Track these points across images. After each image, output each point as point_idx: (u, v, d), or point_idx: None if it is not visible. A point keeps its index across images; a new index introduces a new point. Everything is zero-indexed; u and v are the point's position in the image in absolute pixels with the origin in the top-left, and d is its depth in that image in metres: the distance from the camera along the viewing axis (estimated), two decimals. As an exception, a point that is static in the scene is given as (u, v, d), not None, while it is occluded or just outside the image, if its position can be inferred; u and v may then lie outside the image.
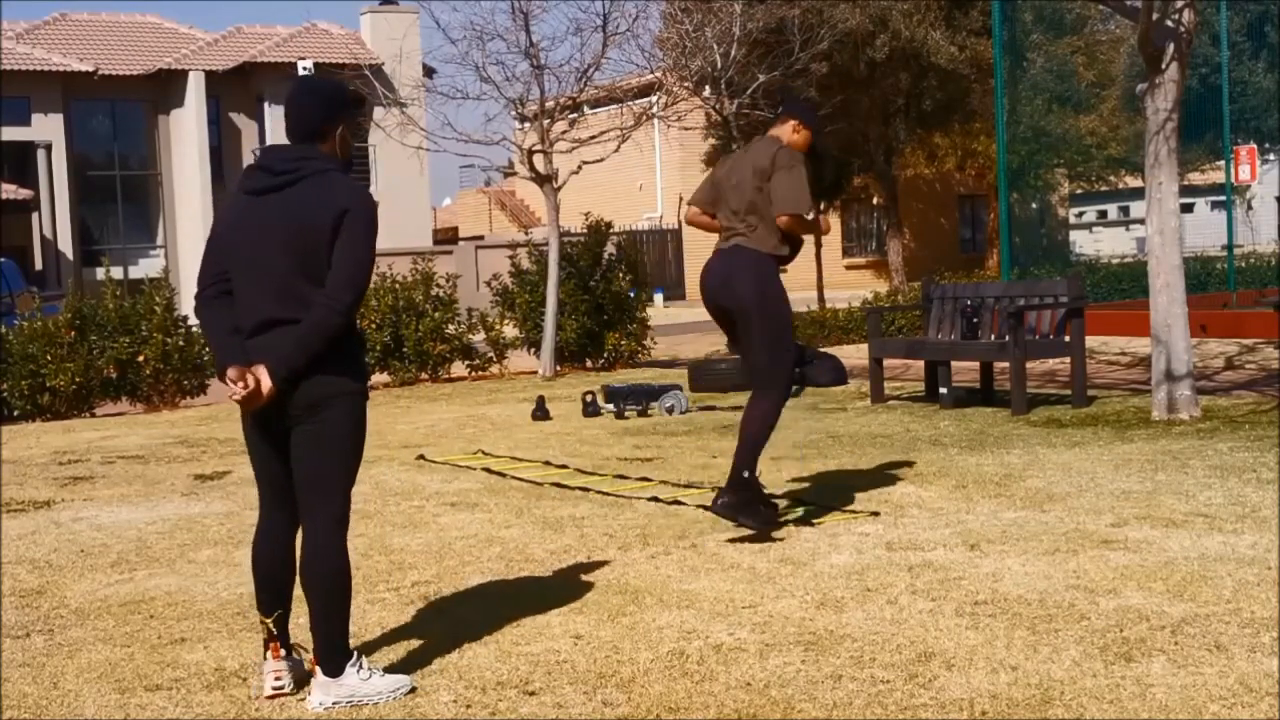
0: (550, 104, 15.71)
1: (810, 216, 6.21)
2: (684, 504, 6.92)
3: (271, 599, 4.17)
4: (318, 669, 4.03)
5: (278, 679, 4.13)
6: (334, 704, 4.00)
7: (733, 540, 6.02)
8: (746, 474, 6.04)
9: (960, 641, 4.35)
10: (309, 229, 3.93)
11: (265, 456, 4.13)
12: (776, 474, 7.56)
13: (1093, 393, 10.51)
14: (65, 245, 35.54)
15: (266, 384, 3.92)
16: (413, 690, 4.11)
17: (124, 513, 7.49)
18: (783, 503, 6.69)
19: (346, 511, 4.11)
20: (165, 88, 37.15)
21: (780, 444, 8.98)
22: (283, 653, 4.17)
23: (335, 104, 4.11)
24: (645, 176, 38.25)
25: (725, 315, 6.35)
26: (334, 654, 4.03)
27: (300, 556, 4.09)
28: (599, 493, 7.44)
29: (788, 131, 6.37)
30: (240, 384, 3.90)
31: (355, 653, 4.11)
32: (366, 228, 3.96)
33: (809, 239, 7.71)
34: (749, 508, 6.03)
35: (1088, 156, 28.32)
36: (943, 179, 38.77)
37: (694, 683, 4.09)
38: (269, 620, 4.15)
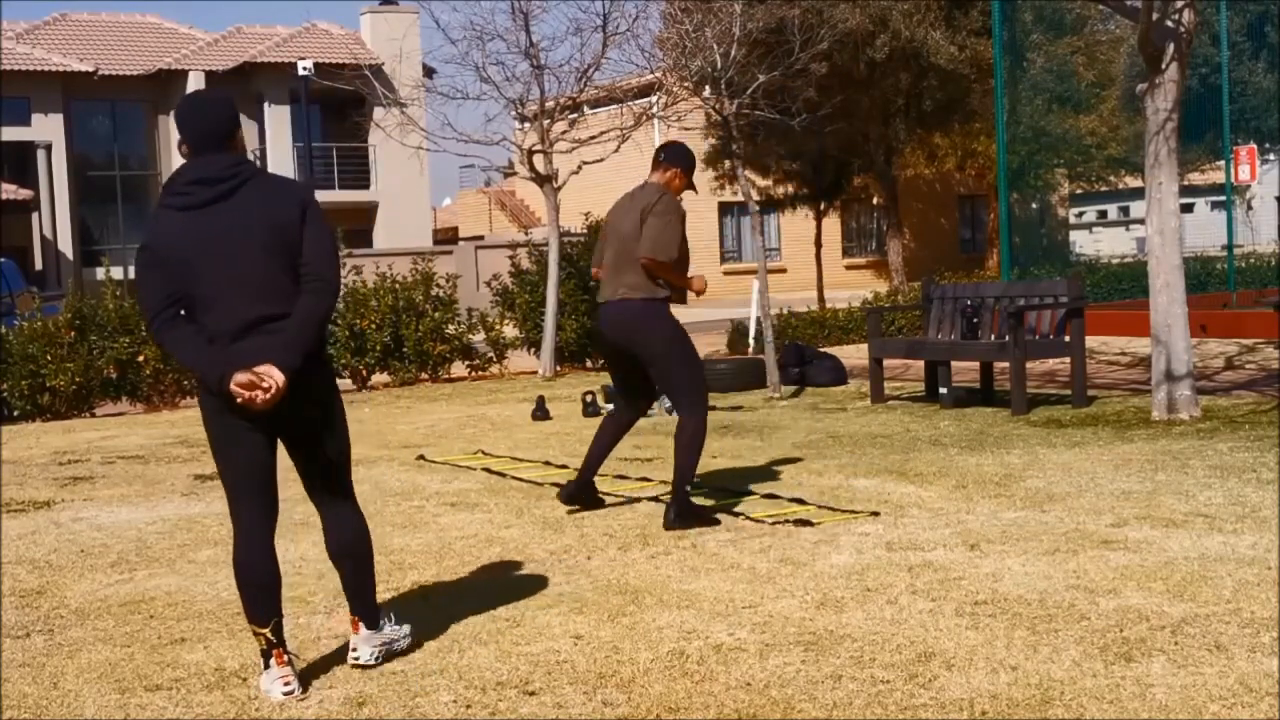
0: (550, 104, 15.71)
1: (670, 261, 6.59)
2: (684, 504, 6.91)
3: (266, 608, 4.18)
4: (360, 626, 4.39)
5: (287, 684, 4.14)
6: (381, 653, 4.40)
7: (733, 540, 6.02)
8: (687, 488, 6.58)
9: (960, 641, 4.35)
10: (281, 226, 4.07)
11: (256, 459, 4.17)
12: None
13: (1093, 393, 10.51)
14: (65, 245, 35.55)
15: (280, 379, 4.00)
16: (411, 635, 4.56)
17: (124, 513, 7.49)
18: (710, 502, 6.99)
19: (353, 484, 4.47)
20: (165, 88, 37.17)
21: (781, 444, 8.98)
22: (286, 658, 4.19)
23: (233, 114, 4.23)
24: (645, 176, 38.21)
25: (622, 357, 6.77)
26: (374, 610, 4.44)
27: (335, 536, 4.39)
28: (598, 492, 7.43)
29: (669, 179, 6.82)
30: (261, 386, 3.98)
31: (382, 607, 4.52)
32: (321, 213, 4.20)
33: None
34: (696, 517, 6.49)
35: (1088, 156, 28.31)
36: (943, 179, 38.78)
37: (694, 683, 4.09)
38: (266, 630, 4.16)
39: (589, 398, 11.35)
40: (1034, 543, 5.66)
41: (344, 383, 15.15)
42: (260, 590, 4.19)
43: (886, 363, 11.88)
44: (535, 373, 15.41)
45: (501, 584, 5.45)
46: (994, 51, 18.01)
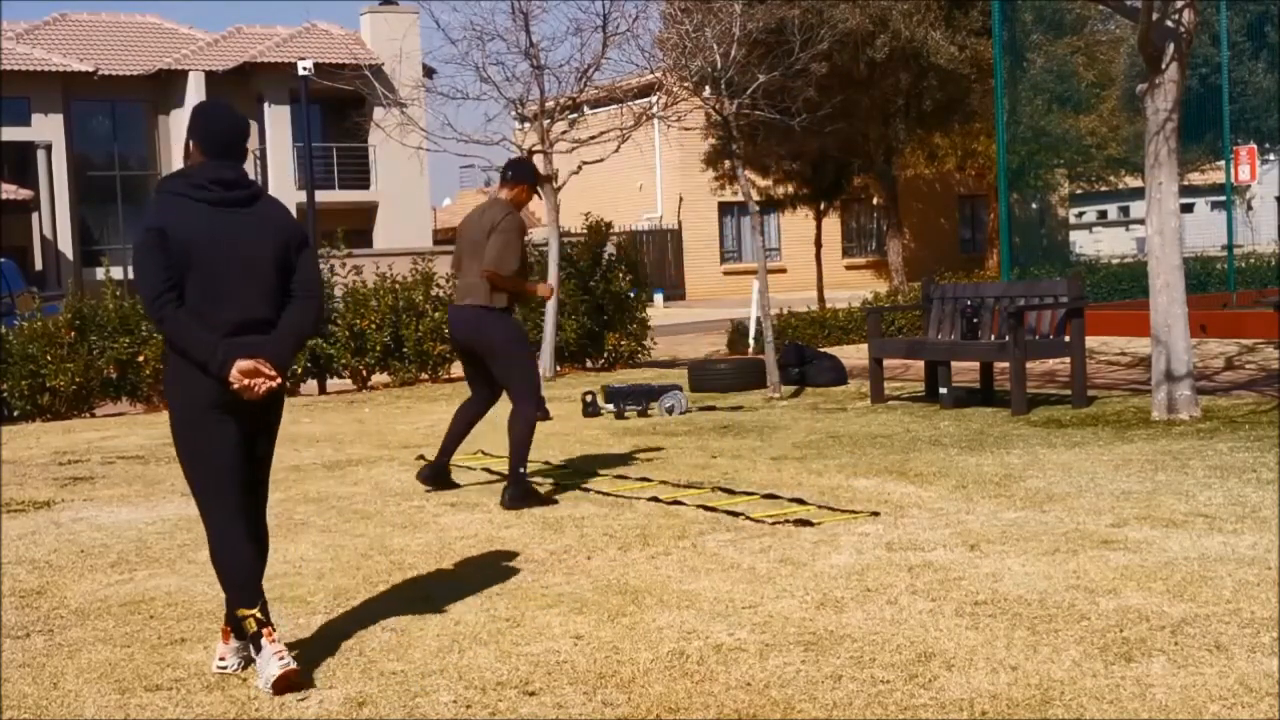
0: (550, 104, 15.71)
1: (509, 274, 7.40)
2: (684, 504, 6.92)
3: (253, 592, 4.31)
4: (231, 637, 4.40)
5: (282, 657, 4.19)
6: (242, 661, 4.41)
7: (733, 540, 6.02)
8: (521, 470, 7.30)
9: (960, 641, 4.35)
10: (285, 241, 4.36)
11: (233, 451, 4.30)
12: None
13: (1093, 393, 10.51)
14: (65, 245, 35.54)
15: (277, 373, 4.26)
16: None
17: (124, 513, 7.49)
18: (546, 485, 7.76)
19: None
20: (165, 88, 37.16)
21: (781, 444, 8.99)
22: (275, 635, 4.29)
23: (248, 130, 4.48)
24: (645, 177, 38.24)
25: (468, 354, 7.64)
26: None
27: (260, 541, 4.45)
28: (599, 493, 7.44)
29: (515, 194, 7.62)
30: (265, 375, 4.21)
31: None
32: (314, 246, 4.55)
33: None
34: (531, 497, 7.22)
35: (1088, 156, 28.30)
36: (943, 179, 38.79)
37: (694, 683, 4.09)
38: (255, 611, 4.26)
39: (589, 398, 11.35)
40: (1034, 543, 5.66)
41: (344, 383, 15.16)
42: (248, 579, 4.31)
43: (886, 363, 11.89)
44: (535, 373, 15.41)
45: (501, 584, 5.45)
46: (994, 51, 18.02)
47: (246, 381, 4.18)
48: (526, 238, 7.72)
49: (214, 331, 4.20)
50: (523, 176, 7.68)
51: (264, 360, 4.22)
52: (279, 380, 4.26)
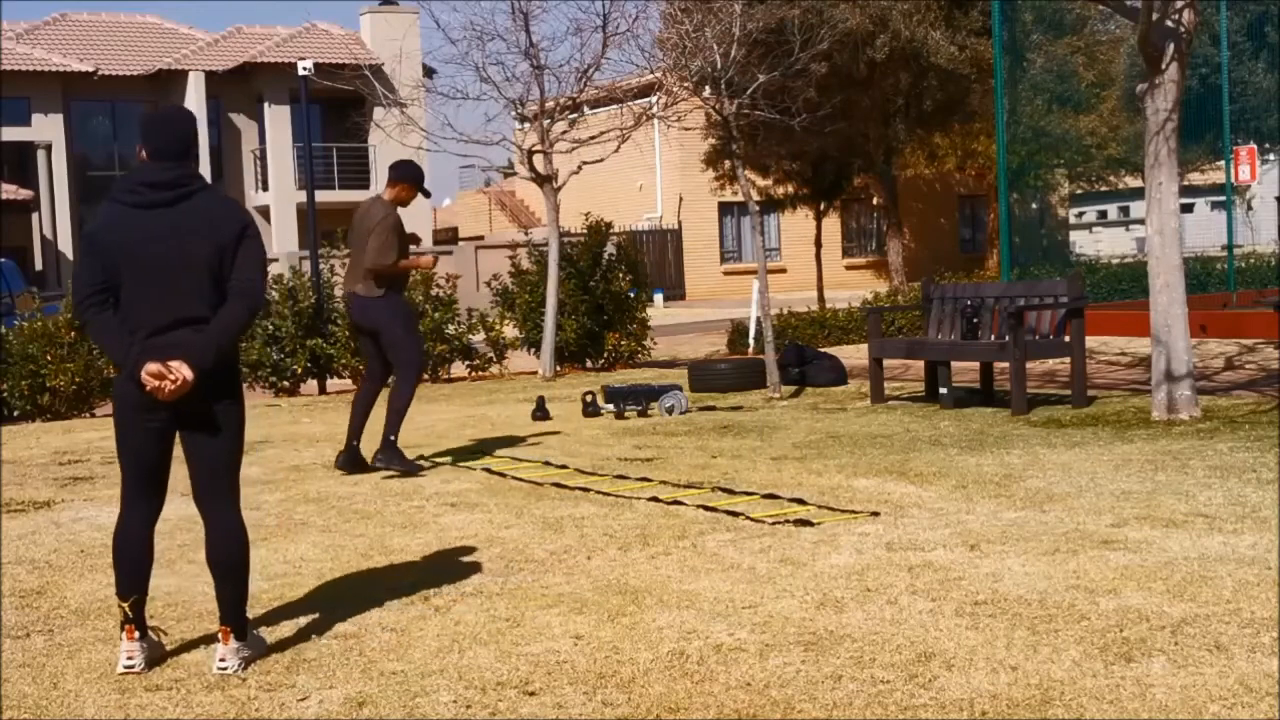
0: (550, 104, 15.70)
1: (387, 267, 8.35)
2: (684, 504, 6.92)
3: (132, 584, 4.49)
4: (230, 636, 4.47)
5: (130, 658, 4.44)
6: (242, 663, 4.46)
7: (733, 540, 6.02)
8: (392, 438, 8.30)
9: (960, 642, 4.35)
10: (218, 238, 4.39)
11: (149, 447, 4.45)
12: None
13: (1093, 393, 10.51)
14: (65, 245, 35.54)
15: (189, 374, 4.30)
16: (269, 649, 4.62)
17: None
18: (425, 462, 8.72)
19: (239, 497, 4.62)
20: (165, 88, 37.15)
21: (781, 444, 8.98)
22: (137, 635, 4.47)
23: (194, 130, 4.57)
24: (645, 177, 38.25)
25: (363, 334, 8.66)
26: (243, 620, 4.53)
27: (214, 542, 4.54)
28: (599, 493, 7.44)
29: (396, 193, 8.53)
30: (169, 378, 4.28)
31: (248, 618, 4.62)
32: (260, 236, 4.53)
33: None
34: (398, 460, 8.29)
35: (1088, 156, 28.32)
36: (943, 179, 38.80)
37: (694, 683, 4.09)
38: (126, 604, 4.45)
39: (589, 398, 11.35)
40: (1034, 543, 5.66)
41: (344, 383, 15.15)
42: (131, 569, 4.51)
43: (886, 363, 11.88)
44: (535, 373, 15.41)
45: (501, 584, 5.45)
46: (994, 51, 18.01)
47: (155, 383, 4.28)
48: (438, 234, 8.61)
49: (141, 332, 4.34)
50: (403, 177, 8.51)
51: (182, 360, 4.28)
52: (178, 381, 4.26)
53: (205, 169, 36.44)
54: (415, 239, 9.23)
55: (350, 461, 8.54)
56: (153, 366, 4.28)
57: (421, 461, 8.82)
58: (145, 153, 4.47)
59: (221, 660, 4.47)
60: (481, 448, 9.52)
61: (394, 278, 8.47)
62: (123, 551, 4.52)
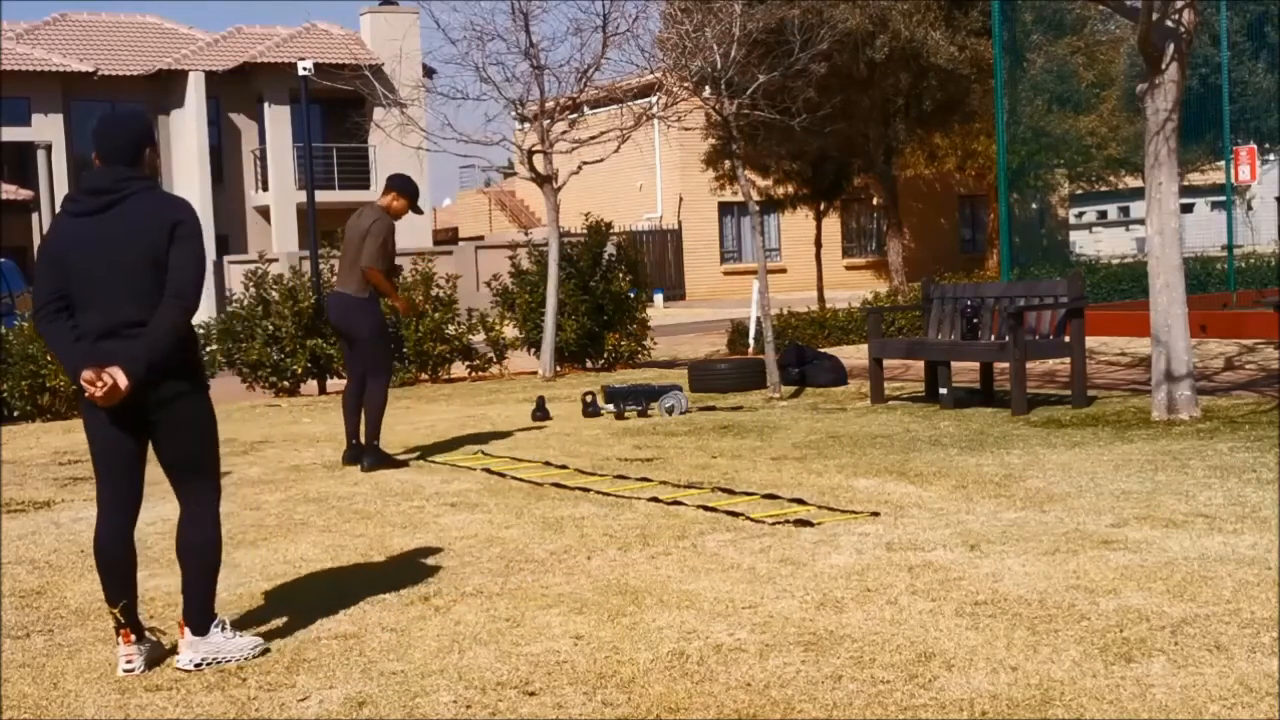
0: (550, 104, 15.70)
1: (380, 271, 8.78)
2: (684, 504, 6.92)
3: (118, 589, 4.51)
4: (186, 630, 4.50)
5: (129, 661, 4.46)
6: (201, 660, 4.46)
7: (733, 540, 6.02)
8: (377, 441, 8.70)
9: (960, 642, 4.35)
10: (148, 240, 4.40)
11: (115, 449, 4.51)
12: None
13: (1093, 393, 10.51)
14: (65, 245, 35.50)
15: (123, 381, 4.33)
16: (266, 651, 4.57)
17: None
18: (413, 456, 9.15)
19: (217, 493, 4.67)
20: (165, 88, 37.15)
21: (781, 444, 8.98)
22: (133, 638, 4.48)
23: (143, 132, 4.59)
24: (645, 177, 38.25)
25: (342, 335, 9.22)
26: (204, 616, 4.52)
27: (179, 531, 4.60)
28: (599, 493, 7.44)
29: (388, 201, 8.96)
30: (99, 384, 4.31)
31: (217, 615, 4.59)
32: (196, 234, 4.47)
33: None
34: (386, 461, 8.69)
35: (1088, 157, 28.32)
36: (943, 179, 38.79)
37: (694, 683, 4.09)
38: (116, 610, 4.47)
39: (589, 398, 11.35)
40: (1034, 543, 5.65)
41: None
42: (112, 573, 4.53)
43: (886, 363, 11.88)
44: (535, 373, 15.41)
45: (501, 584, 5.45)
46: (994, 51, 18.01)
47: (89, 389, 4.33)
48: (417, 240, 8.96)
49: (84, 339, 4.40)
50: (398, 187, 8.97)
51: (114, 368, 4.30)
52: (108, 386, 4.29)
53: (205, 169, 36.48)
54: (398, 270, 9.77)
55: (355, 458, 8.87)
56: (87, 373, 4.33)
57: (420, 461, 8.84)
58: (97, 155, 4.53)
59: (178, 655, 4.52)
60: (482, 448, 9.52)
61: (379, 288, 8.90)
62: (103, 558, 4.57)
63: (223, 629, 4.57)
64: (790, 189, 26.07)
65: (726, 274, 38.90)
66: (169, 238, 4.40)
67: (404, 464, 8.82)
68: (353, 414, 8.92)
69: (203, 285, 4.51)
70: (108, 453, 4.53)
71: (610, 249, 16.81)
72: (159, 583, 5.75)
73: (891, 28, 21.99)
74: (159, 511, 7.47)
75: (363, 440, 8.82)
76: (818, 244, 26.29)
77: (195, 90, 36.59)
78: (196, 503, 4.59)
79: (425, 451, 9.48)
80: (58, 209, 4.58)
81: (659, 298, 34.71)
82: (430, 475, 8.40)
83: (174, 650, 4.69)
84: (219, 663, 4.48)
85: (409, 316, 9.25)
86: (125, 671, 4.44)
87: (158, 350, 4.37)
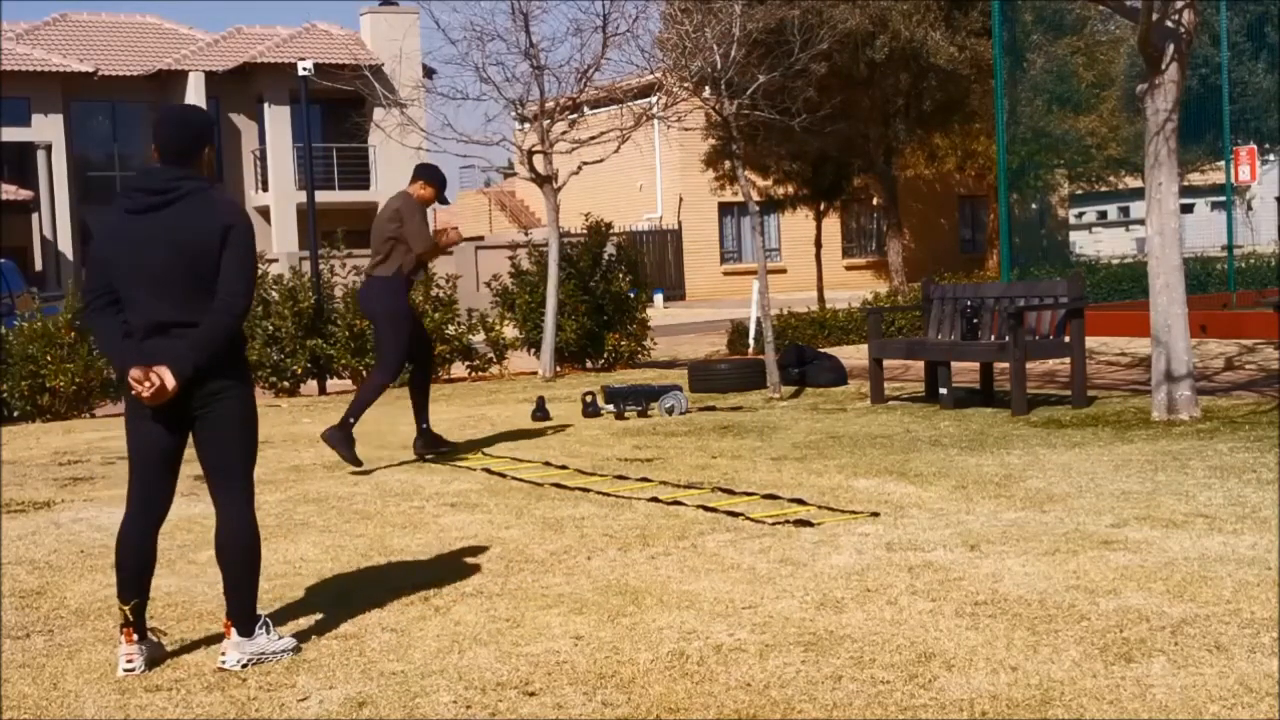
0: (550, 105, 15.70)
1: (430, 246, 8.92)
2: (684, 504, 6.92)
3: (132, 588, 4.51)
4: (232, 631, 4.52)
5: (130, 661, 4.47)
6: (248, 660, 4.49)
7: (733, 540, 6.02)
8: (352, 420, 8.59)
9: (960, 642, 4.35)
10: (199, 242, 4.41)
11: (153, 446, 4.51)
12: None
13: (1093, 393, 10.51)
14: (65, 246, 35.54)
15: (170, 382, 4.36)
16: (299, 649, 4.61)
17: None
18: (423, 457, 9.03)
19: (253, 490, 4.63)
20: (165, 88, 37.15)
21: (781, 444, 8.99)
22: (136, 638, 4.49)
23: (203, 131, 4.58)
24: (645, 177, 38.25)
25: (369, 319, 9.22)
26: (249, 617, 4.54)
27: (218, 533, 4.57)
28: (599, 493, 7.44)
29: (416, 189, 9.02)
30: (146, 383, 4.34)
31: (261, 616, 4.59)
32: (249, 240, 4.51)
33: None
34: (345, 443, 8.52)
35: (1088, 157, 28.32)
36: (943, 179, 38.77)
37: (694, 683, 4.09)
38: (127, 608, 4.48)
39: (589, 398, 11.35)
40: (1034, 543, 5.66)
41: (344, 383, 15.16)
42: (130, 570, 4.53)
43: (886, 363, 11.88)
44: (535, 373, 15.41)
45: (501, 584, 5.45)
46: (994, 52, 18.01)
47: (136, 388, 4.36)
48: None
49: (133, 336, 4.42)
50: (425, 176, 9.05)
51: (161, 368, 4.33)
52: (155, 386, 4.32)
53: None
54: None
55: (426, 444, 9.00)
56: (135, 372, 4.36)
57: (420, 461, 8.84)
58: (156, 152, 4.52)
59: (222, 654, 4.51)
60: (482, 448, 9.52)
61: (434, 253, 9.10)
62: (124, 554, 4.55)
63: (267, 630, 4.57)
64: (790, 189, 26.07)
65: (726, 274, 38.91)
66: (221, 241, 4.42)
67: (358, 464, 8.58)
68: (417, 399, 8.99)
69: (254, 290, 4.54)
70: (145, 450, 4.53)
71: (610, 249, 16.82)
72: (159, 583, 5.72)
73: (891, 28, 21.99)
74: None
75: (427, 423, 8.98)
76: (818, 244, 26.29)
77: (195, 90, 36.57)
78: (233, 502, 4.57)
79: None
80: (115, 200, 4.56)
81: (659, 298, 34.71)
82: (430, 475, 8.40)
83: (174, 652, 4.70)
84: (263, 662, 4.49)
85: (449, 244, 9.27)
86: (125, 671, 4.45)
87: (206, 354, 4.39)
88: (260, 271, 15.41)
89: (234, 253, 4.44)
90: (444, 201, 9.26)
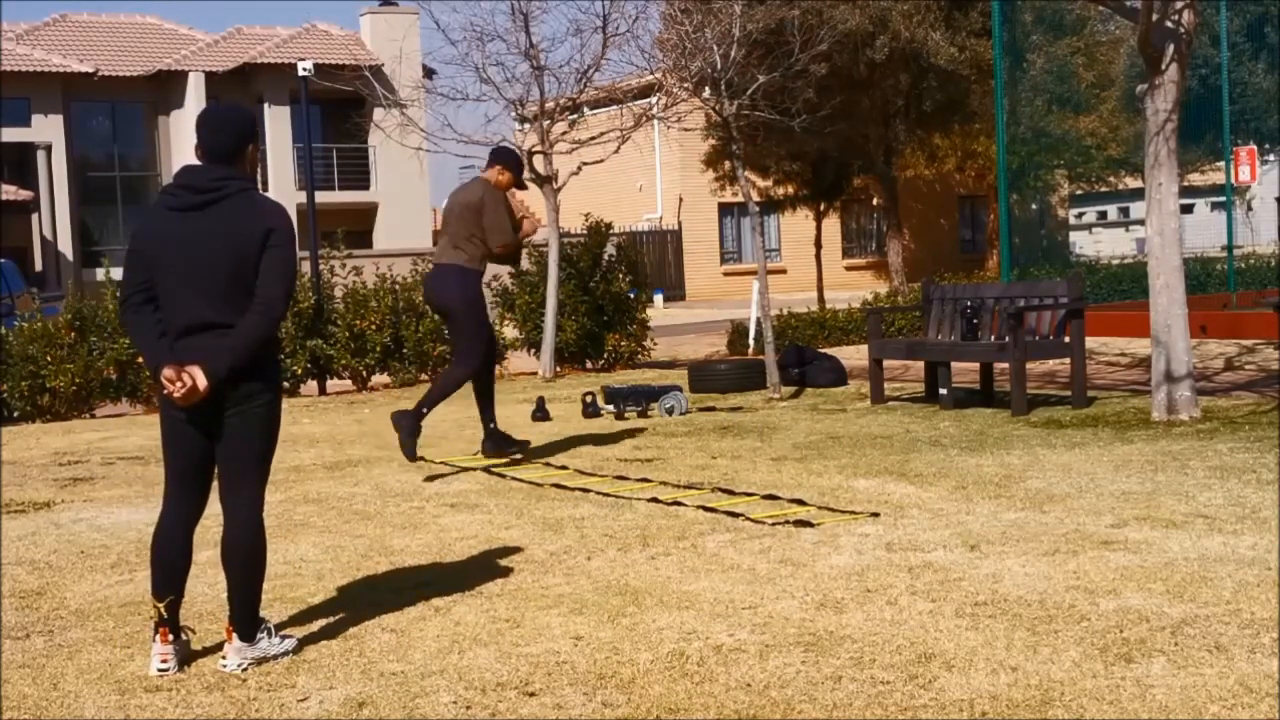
0: (550, 105, 15.71)
1: (512, 240, 8.65)
2: (684, 505, 6.92)
3: (167, 584, 4.50)
4: (234, 635, 4.48)
5: (164, 661, 4.44)
6: (248, 663, 4.46)
7: (733, 541, 6.02)
8: (425, 410, 8.49)
9: (960, 642, 4.35)
10: (240, 243, 4.39)
11: (187, 448, 4.51)
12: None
13: (1092, 393, 10.51)
14: (65, 246, 35.54)
15: (203, 382, 4.35)
16: (299, 648, 4.61)
17: (124, 514, 7.49)
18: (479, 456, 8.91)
19: (264, 497, 4.60)
20: (165, 89, 37.16)
21: (781, 445, 8.99)
22: (170, 637, 4.47)
23: (247, 129, 4.55)
24: (645, 177, 38.25)
25: (442, 312, 8.76)
26: (251, 623, 4.51)
27: (225, 535, 4.54)
28: (599, 493, 7.44)
29: (494, 174, 8.71)
30: (178, 382, 4.33)
31: (264, 620, 4.57)
32: (290, 242, 4.48)
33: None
34: (410, 432, 8.43)
35: (1088, 157, 28.30)
36: (943, 180, 38.77)
37: (694, 684, 4.09)
38: (162, 605, 4.46)
39: (589, 398, 11.35)
40: (1034, 543, 5.66)
41: (344, 384, 15.15)
42: (167, 568, 4.50)
43: (886, 363, 11.88)
44: (535, 374, 15.41)
45: (501, 584, 5.45)
46: (994, 52, 18.01)
47: (169, 387, 4.35)
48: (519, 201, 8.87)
49: (169, 334, 4.40)
50: (501, 160, 8.78)
51: (194, 368, 4.32)
52: (187, 386, 4.31)
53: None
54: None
55: (495, 445, 8.76)
56: (168, 371, 4.34)
57: (420, 461, 8.83)
58: (200, 151, 4.50)
59: (222, 658, 4.50)
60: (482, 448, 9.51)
61: (518, 246, 8.85)
62: (160, 551, 4.53)
63: (269, 635, 4.55)
64: (790, 189, 26.08)
65: (726, 274, 38.91)
66: (262, 244, 4.39)
67: (416, 458, 8.54)
68: (483, 399, 8.73)
69: (292, 294, 4.52)
70: (179, 451, 4.52)
71: (610, 249, 16.82)
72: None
73: (891, 28, 21.99)
74: (158, 513, 7.47)
75: (494, 422, 8.77)
76: (818, 244, 26.29)
77: (195, 91, 36.58)
78: (244, 506, 4.53)
79: (426, 451, 9.47)
80: (158, 198, 4.53)
81: (659, 298, 34.71)
82: (430, 475, 8.39)
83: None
84: (264, 663, 4.48)
85: (527, 235, 8.99)
86: (159, 671, 4.41)
87: (240, 357, 4.37)
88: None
89: (274, 255, 4.41)
90: (521, 186, 8.93)
